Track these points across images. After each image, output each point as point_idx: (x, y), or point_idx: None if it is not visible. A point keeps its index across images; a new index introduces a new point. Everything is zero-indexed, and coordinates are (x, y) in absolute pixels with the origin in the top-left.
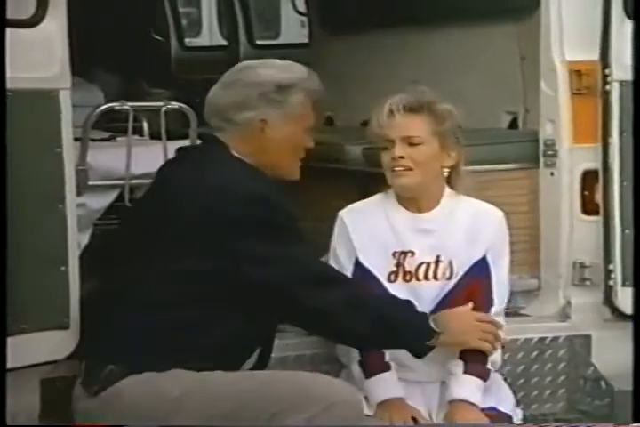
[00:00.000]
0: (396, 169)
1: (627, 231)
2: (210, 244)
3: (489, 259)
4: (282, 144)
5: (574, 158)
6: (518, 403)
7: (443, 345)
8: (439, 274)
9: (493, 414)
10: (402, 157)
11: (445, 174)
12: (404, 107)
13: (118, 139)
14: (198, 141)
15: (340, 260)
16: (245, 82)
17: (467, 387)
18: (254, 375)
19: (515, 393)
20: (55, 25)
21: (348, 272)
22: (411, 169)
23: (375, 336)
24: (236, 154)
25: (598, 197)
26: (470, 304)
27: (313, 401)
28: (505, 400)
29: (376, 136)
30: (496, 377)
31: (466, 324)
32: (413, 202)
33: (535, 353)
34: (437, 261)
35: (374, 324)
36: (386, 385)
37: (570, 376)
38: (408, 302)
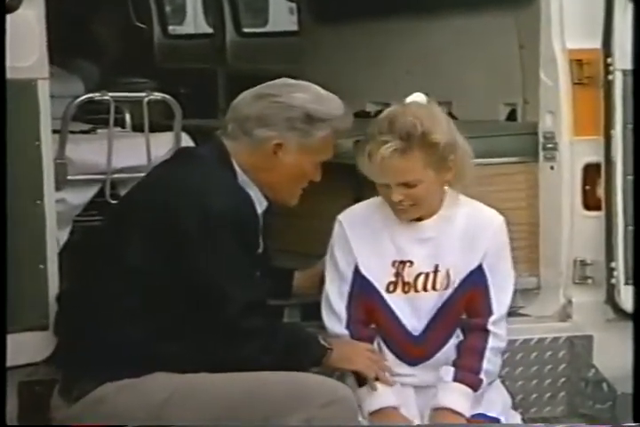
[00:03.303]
0: (399, 208)
1: (630, 227)
2: (166, 249)
3: (485, 267)
4: (289, 171)
5: (575, 151)
6: (516, 407)
7: (332, 363)
8: (438, 284)
9: (480, 421)
10: (402, 200)
11: (446, 187)
12: (396, 151)
13: (99, 131)
14: (183, 134)
15: (339, 266)
16: (278, 100)
17: (453, 395)
18: (245, 377)
19: (513, 396)
20: (32, 12)
21: (347, 280)
22: (412, 205)
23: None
24: (236, 164)
25: (600, 192)
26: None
27: (308, 401)
28: (495, 405)
29: (368, 177)
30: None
31: (356, 348)
32: None
33: (534, 354)
34: (436, 271)
35: (280, 349)
36: (379, 394)
37: (570, 379)
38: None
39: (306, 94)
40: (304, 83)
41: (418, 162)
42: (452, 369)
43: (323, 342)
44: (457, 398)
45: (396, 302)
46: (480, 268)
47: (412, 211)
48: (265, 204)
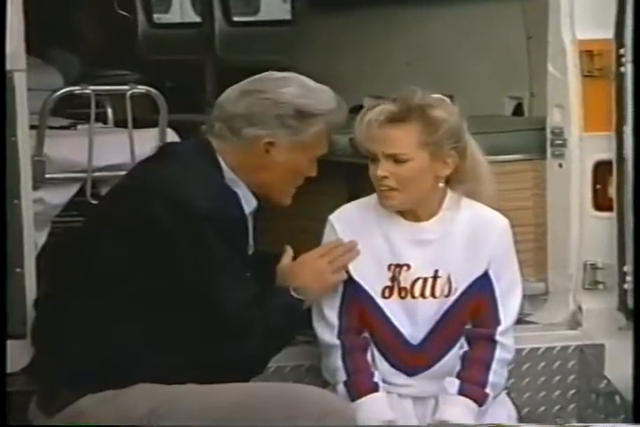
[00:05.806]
0: (381, 189)
1: None
2: (150, 253)
3: (491, 274)
4: (283, 169)
5: (585, 148)
6: (523, 420)
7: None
8: (437, 291)
9: None
10: (385, 177)
11: (441, 185)
12: (389, 117)
13: (79, 127)
14: (169, 130)
15: None
16: (265, 97)
17: (457, 409)
18: (235, 388)
19: (519, 409)
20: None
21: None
22: (396, 189)
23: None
24: (223, 162)
25: (612, 191)
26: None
27: (304, 413)
28: (500, 418)
29: (360, 148)
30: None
31: (313, 271)
32: (410, 210)
33: (542, 364)
34: (435, 277)
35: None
36: (374, 408)
37: (581, 390)
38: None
39: (294, 88)
40: (292, 75)
41: (412, 135)
42: (457, 382)
43: (294, 293)
44: (460, 411)
45: (391, 308)
46: (486, 275)
47: (397, 197)
48: (254, 203)
